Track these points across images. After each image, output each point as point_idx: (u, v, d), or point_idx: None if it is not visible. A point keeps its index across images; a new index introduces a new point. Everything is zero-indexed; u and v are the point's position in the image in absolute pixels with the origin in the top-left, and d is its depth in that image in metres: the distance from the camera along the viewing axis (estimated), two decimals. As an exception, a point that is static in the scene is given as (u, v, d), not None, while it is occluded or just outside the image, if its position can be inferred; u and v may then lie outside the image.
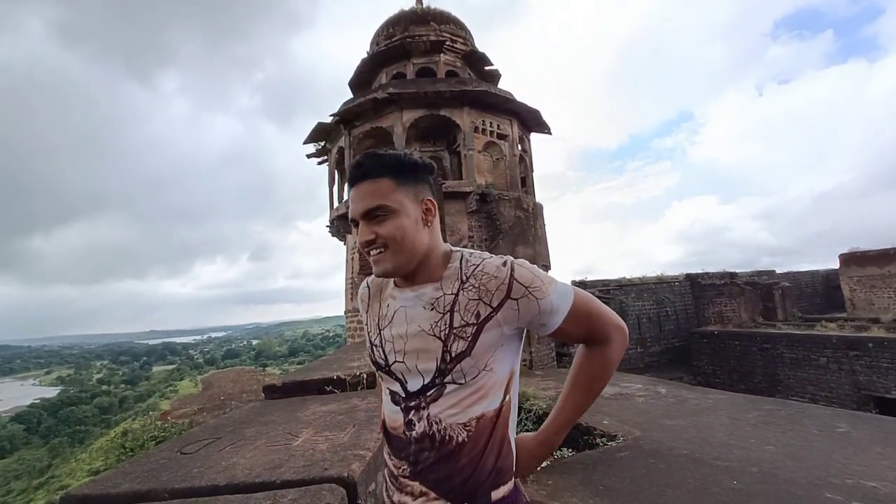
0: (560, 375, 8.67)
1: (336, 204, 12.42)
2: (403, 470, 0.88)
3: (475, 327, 0.84)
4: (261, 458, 1.42)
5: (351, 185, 0.89)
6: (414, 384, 0.87)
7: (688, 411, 5.29)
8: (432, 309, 0.87)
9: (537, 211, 11.51)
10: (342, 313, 13.34)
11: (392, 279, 0.95)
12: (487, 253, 0.92)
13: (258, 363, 62.83)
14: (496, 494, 0.88)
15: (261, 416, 2.14)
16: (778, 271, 19.49)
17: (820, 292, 21.17)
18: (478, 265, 0.88)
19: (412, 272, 0.90)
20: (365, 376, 2.76)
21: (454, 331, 0.85)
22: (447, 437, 0.85)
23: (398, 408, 0.89)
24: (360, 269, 9.94)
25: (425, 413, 0.86)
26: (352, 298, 12.07)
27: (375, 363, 0.94)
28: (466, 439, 0.85)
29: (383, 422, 0.96)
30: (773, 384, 12.15)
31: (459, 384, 0.85)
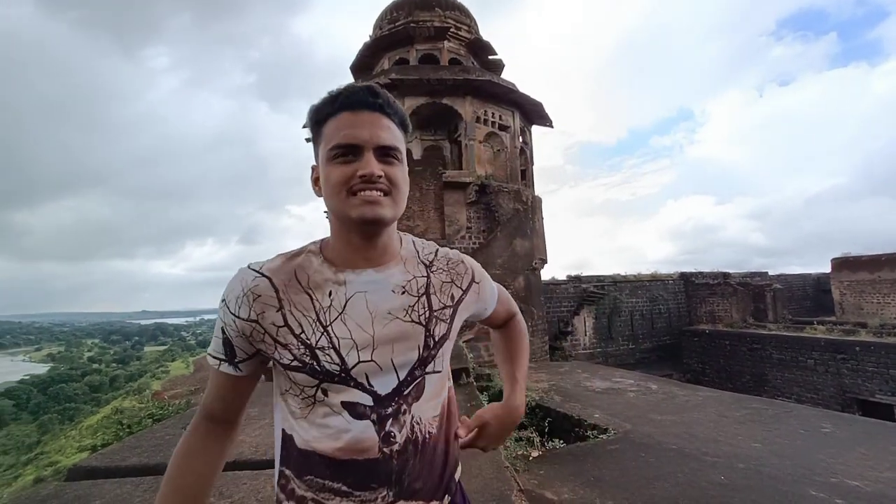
0: (552, 368, 8.76)
1: (334, 190, 12.38)
2: (382, 498, 0.72)
3: (452, 309, 0.82)
4: (266, 437, 1.44)
5: (356, 108, 0.73)
6: (385, 385, 0.73)
7: (677, 407, 5.38)
8: (403, 293, 0.77)
9: (536, 204, 11.52)
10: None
11: (323, 261, 0.76)
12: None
13: (250, 346, 62.68)
14: (457, 474, 0.84)
15: (264, 396, 2.16)
16: (770, 273, 19.72)
17: (810, 295, 21.48)
18: (436, 251, 0.86)
19: (379, 244, 0.76)
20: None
21: (435, 313, 0.79)
22: (427, 436, 0.77)
23: (366, 422, 0.72)
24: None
25: (406, 417, 0.74)
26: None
27: (322, 372, 0.71)
28: (436, 429, 0.79)
29: (317, 456, 0.72)
30: (760, 384, 12.37)
31: (437, 372, 0.79)
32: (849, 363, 10.62)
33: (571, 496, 2.89)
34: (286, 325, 0.72)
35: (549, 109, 12.12)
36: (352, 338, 0.72)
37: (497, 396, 5.64)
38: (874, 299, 17.39)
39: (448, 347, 0.82)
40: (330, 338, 0.72)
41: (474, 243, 10.18)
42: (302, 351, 0.71)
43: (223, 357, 0.75)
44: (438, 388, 0.80)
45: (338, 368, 0.71)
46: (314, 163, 0.79)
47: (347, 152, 0.71)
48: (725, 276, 16.71)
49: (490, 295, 0.93)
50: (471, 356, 7.74)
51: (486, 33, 12.82)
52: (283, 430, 0.76)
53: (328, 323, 0.72)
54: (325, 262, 0.76)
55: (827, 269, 19.74)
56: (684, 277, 17.08)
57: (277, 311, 0.72)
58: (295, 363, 0.71)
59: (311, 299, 0.73)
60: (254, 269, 0.74)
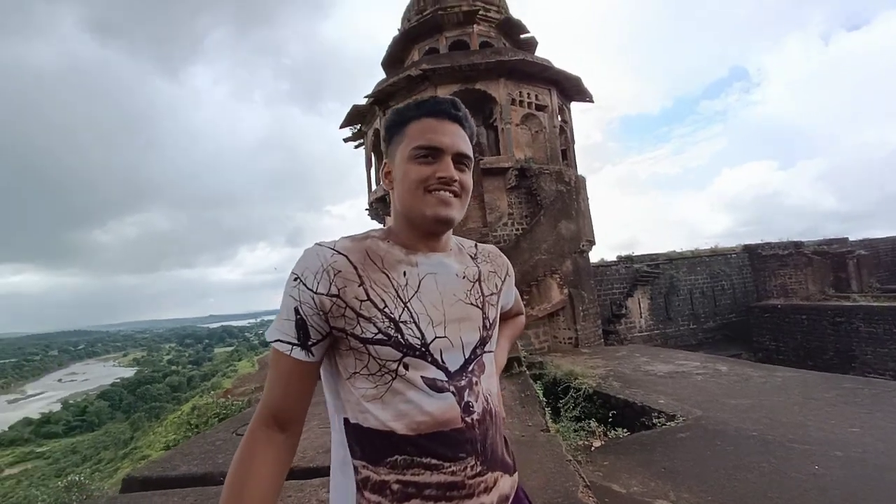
0: (607, 353, 8.39)
1: (374, 187, 12.49)
2: (471, 468, 0.73)
3: (496, 296, 0.89)
4: (314, 440, 1.40)
5: (440, 116, 0.80)
6: (454, 362, 0.76)
7: (753, 390, 4.95)
8: (463, 278, 0.83)
9: (580, 184, 11.03)
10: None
11: (392, 244, 0.81)
12: None
13: (308, 344, 65.99)
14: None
15: (314, 396, 2.15)
16: (851, 238, 17.80)
17: (901, 260, 19.21)
18: (476, 244, 0.95)
19: (441, 238, 0.84)
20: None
21: (487, 299, 0.85)
22: (496, 408, 0.82)
23: (446, 393, 0.73)
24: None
25: (479, 388, 0.78)
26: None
27: (406, 345, 0.72)
28: (499, 404, 0.84)
29: (396, 435, 0.71)
30: (846, 361, 11.22)
31: (490, 351, 0.84)
32: (957, 333, 9.38)
33: (641, 489, 2.69)
34: (369, 299, 0.73)
35: (587, 83, 11.51)
36: (427, 314, 0.75)
37: (551, 384, 5.45)
38: (983, 260, 15.25)
39: (497, 331, 0.88)
40: (411, 313, 0.74)
41: (517, 229, 9.91)
42: (387, 324, 0.72)
43: (295, 341, 0.73)
44: (493, 366, 0.85)
45: (419, 342, 0.73)
46: (385, 159, 0.86)
47: (429, 154, 0.77)
48: (797, 245, 15.27)
49: (513, 289, 1.03)
50: (521, 345, 7.56)
51: (516, 9, 12.37)
52: (347, 419, 0.74)
53: (407, 299, 0.75)
54: (394, 244, 0.80)
55: (920, 229, 17.53)
56: (749, 250, 15.80)
57: (359, 286, 0.73)
58: (380, 336, 0.72)
59: (388, 277, 0.76)
60: (328, 247, 0.76)
